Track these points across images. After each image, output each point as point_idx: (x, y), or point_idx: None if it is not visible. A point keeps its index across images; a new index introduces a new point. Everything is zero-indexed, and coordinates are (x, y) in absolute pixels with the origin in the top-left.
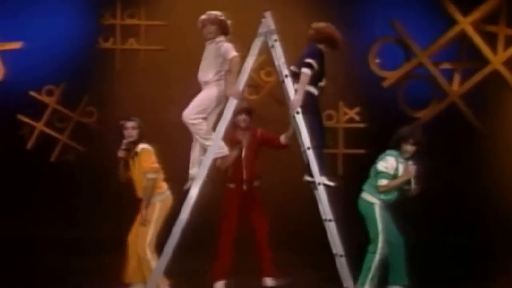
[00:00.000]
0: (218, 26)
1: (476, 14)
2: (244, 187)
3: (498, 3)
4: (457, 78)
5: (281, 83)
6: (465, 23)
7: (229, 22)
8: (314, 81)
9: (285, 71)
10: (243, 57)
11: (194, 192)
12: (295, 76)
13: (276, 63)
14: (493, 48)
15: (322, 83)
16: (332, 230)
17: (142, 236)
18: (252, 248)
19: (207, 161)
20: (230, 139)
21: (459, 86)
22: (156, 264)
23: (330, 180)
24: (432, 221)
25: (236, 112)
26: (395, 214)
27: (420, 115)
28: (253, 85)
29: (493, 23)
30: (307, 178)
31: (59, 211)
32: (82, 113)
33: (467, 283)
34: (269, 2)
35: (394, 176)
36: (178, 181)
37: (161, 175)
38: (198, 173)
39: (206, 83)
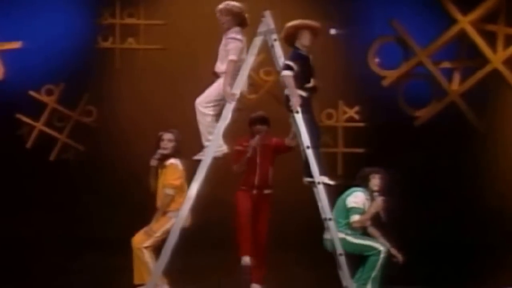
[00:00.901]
0: (233, 17)
1: (476, 13)
2: (254, 191)
3: (498, 2)
4: (456, 77)
5: (280, 82)
6: (465, 22)
7: (246, 14)
8: (300, 83)
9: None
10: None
11: (193, 191)
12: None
13: (276, 62)
14: (493, 47)
15: (310, 84)
16: (331, 228)
17: (142, 240)
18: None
19: (206, 161)
20: (245, 146)
21: (458, 85)
22: (155, 264)
23: (329, 179)
24: (431, 220)
25: (253, 121)
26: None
27: (420, 114)
28: (252, 84)
29: (492, 22)
30: (307, 179)
31: (58, 210)
32: (82, 112)
33: (468, 282)
34: (268, 2)
35: (364, 211)
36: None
37: (183, 193)
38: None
39: (220, 74)
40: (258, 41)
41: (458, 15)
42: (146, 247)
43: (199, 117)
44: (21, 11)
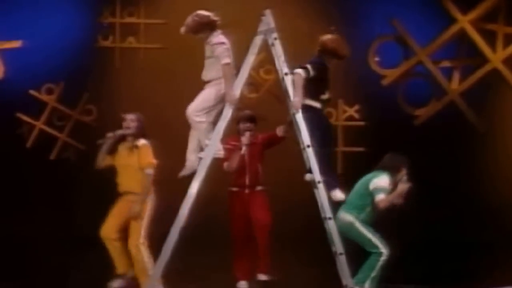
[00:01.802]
0: (206, 27)
1: (475, 12)
2: (247, 191)
3: (497, 2)
4: (456, 76)
5: (280, 81)
6: (464, 21)
7: (211, 15)
8: (315, 94)
9: (285, 69)
10: (242, 55)
11: (193, 190)
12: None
13: (276, 61)
14: (493, 46)
15: (325, 96)
16: (331, 228)
17: (136, 234)
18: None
19: (206, 161)
20: (234, 145)
21: (458, 84)
22: (154, 263)
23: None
24: (430, 219)
25: (240, 120)
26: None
27: (419, 113)
28: (252, 83)
29: (492, 21)
30: (309, 175)
31: (58, 209)
32: (82, 111)
33: (467, 280)
34: (269, 1)
35: (389, 193)
36: (177, 178)
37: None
38: (197, 169)
39: (208, 82)
40: (258, 40)
41: (457, 14)
42: (142, 243)
43: (195, 126)
44: (21, 10)
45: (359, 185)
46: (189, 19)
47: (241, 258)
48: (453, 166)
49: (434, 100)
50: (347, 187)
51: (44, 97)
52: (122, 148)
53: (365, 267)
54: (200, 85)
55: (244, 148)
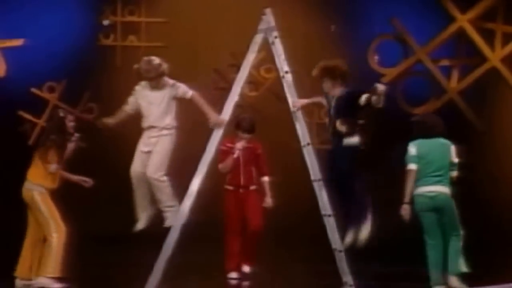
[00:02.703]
0: (157, 71)
1: (474, 12)
2: (241, 190)
3: (496, 1)
4: (455, 74)
5: (280, 80)
6: (463, 20)
7: (162, 63)
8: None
9: (285, 68)
10: (243, 54)
11: (194, 188)
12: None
13: (276, 59)
14: (491, 45)
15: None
16: (331, 225)
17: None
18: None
19: (208, 156)
20: (229, 147)
21: (457, 82)
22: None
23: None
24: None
25: (239, 127)
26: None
27: (419, 111)
28: (253, 81)
29: (490, 20)
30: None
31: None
32: (83, 109)
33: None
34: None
35: None
36: (178, 176)
37: None
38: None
39: (163, 128)
40: (258, 38)
41: (456, 14)
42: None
43: (158, 186)
44: (23, 9)
45: (440, 154)
46: (144, 65)
47: (232, 251)
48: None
49: (433, 99)
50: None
51: (46, 95)
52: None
53: (453, 254)
54: (201, 83)
55: (237, 152)
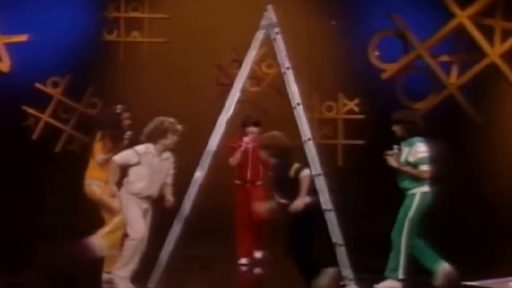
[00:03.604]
0: None
1: (474, 8)
2: (248, 185)
3: None
4: (454, 70)
5: (282, 75)
6: (463, 17)
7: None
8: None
9: (287, 64)
10: (245, 49)
11: (197, 178)
12: None
13: (278, 55)
14: (490, 41)
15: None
16: (332, 220)
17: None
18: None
19: (211, 148)
20: (239, 144)
21: (456, 78)
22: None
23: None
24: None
25: (246, 124)
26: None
27: (418, 106)
28: (254, 77)
29: (490, 16)
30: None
31: (63, 200)
32: (87, 104)
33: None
34: None
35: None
36: (180, 172)
37: None
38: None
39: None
40: (260, 34)
41: (456, 10)
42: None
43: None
44: (27, 4)
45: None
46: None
47: (242, 240)
48: (451, 158)
49: (432, 94)
50: (347, 179)
51: (49, 90)
52: None
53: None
54: (203, 78)
55: (244, 146)
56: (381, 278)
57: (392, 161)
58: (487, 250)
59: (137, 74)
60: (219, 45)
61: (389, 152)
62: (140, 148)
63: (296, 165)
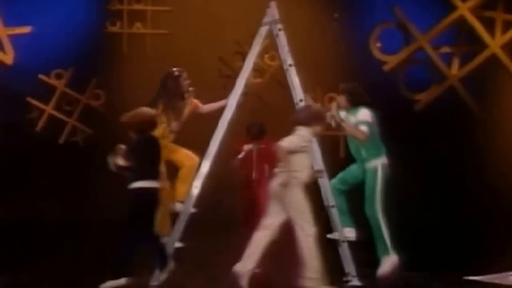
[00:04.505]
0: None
1: (475, 0)
2: (253, 185)
3: None
4: (456, 62)
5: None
6: (464, 9)
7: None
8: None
9: (289, 60)
10: (248, 42)
11: (204, 170)
12: None
13: (280, 51)
14: (491, 32)
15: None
16: (334, 216)
17: None
18: None
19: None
20: (242, 145)
21: (458, 69)
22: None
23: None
24: (430, 203)
25: (249, 133)
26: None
27: (420, 98)
28: (257, 69)
29: (491, 8)
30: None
31: (67, 191)
32: (90, 96)
33: (463, 263)
34: None
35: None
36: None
37: None
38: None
39: None
40: (263, 31)
41: (457, 2)
42: None
43: None
44: None
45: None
46: None
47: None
48: (452, 150)
49: (434, 85)
50: None
51: (53, 82)
52: None
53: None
54: (205, 70)
55: (243, 154)
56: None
57: (332, 118)
58: (489, 242)
59: (140, 65)
60: (222, 37)
61: (329, 109)
62: (305, 133)
63: None
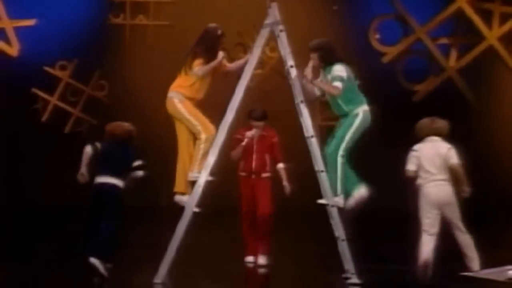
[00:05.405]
0: None
1: None
2: (253, 176)
3: None
4: (454, 53)
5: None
6: (462, 1)
7: None
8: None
9: (290, 62)
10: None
11: (211, 160)
12: None
13: (282, 52)
14: (489, 24)
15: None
16: (334, 214)
17: None
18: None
19: (223, 131)
20: (243, 134)
21: (455, 61)
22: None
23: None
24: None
25: (251, 117)
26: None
27: (418, 88)
28: (258, 60)
29: (489, 0)
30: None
31: (71, 181)
32: (94, 87)
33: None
34: None
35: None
36: None
37: None
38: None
39: None
40: (265, 32)
41: None
42: None
43: None
44: None
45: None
46: None
47: (249, 236)
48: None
49: (432, 76)
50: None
51: (58, 73)
52: None
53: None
54: None
55: (246, 140)
56: (384, 268)
57: (307, 76)
58: (486, 232)
59: (142, 56)
60: (223, 28)
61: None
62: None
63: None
